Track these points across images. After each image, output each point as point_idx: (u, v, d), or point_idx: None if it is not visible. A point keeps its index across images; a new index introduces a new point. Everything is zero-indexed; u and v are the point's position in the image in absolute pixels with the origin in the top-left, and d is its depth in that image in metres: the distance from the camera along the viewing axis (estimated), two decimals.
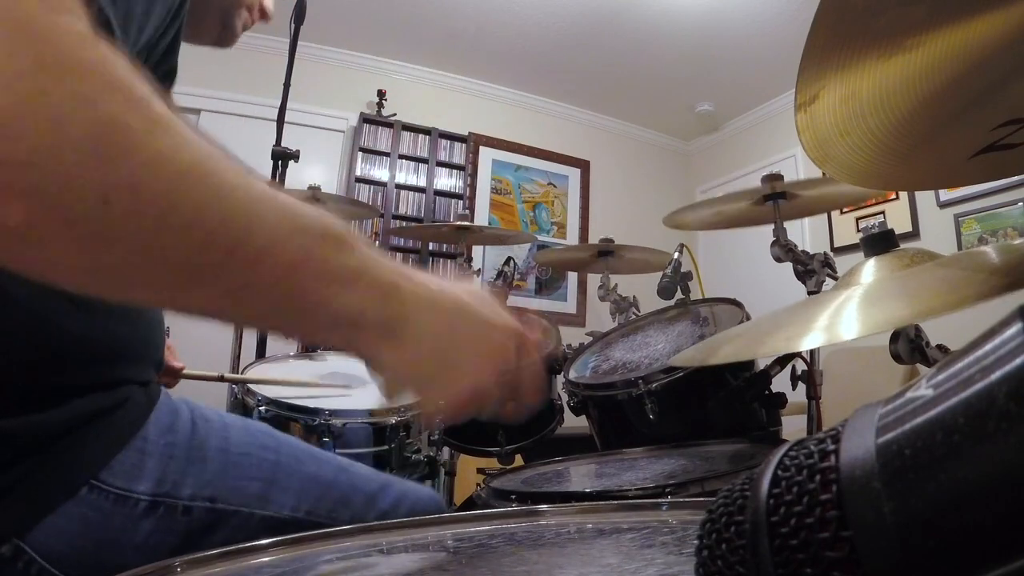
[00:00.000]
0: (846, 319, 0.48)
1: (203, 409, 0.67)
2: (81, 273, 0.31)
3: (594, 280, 2.44)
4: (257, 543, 0.47)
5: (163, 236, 0.30)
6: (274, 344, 1.90)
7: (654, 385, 1.23)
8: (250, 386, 1.13)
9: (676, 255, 1.57)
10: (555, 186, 4.71)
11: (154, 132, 0.30)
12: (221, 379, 1.12)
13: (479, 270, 3.10)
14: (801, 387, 1.28)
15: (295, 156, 1.87)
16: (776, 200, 1.38)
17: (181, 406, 0.64)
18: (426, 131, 4.13)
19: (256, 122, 3.32)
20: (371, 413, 1.14)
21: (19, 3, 0.27)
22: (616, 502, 0.61)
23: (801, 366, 1.27)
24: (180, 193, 0.30)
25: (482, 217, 4.32)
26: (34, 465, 0.50)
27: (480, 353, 0.46)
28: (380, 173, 3.97)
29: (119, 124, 0.28)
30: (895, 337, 0.81)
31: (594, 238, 3.98)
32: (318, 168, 3.80)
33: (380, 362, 0.43)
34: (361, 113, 3.98)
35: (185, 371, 0.95)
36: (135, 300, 0.39)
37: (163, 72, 0.57)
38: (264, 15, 0.80)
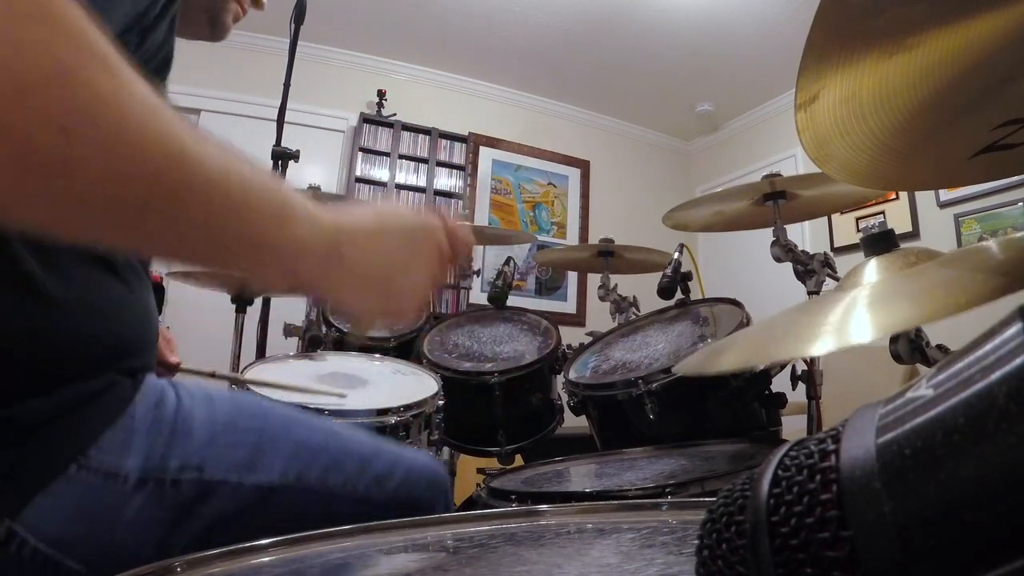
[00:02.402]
0: (855, 323, 0.47)
1: (188, 386, 0.66)
2: (41, 208, 0.33)
3: (594, 280, 2.44)
4: (257, 543, 0.47)
5: (116, 165, 0.33)
6: (274, 344, 1.90)
7: (654, 385, 1.23)
8: (249, 386, 1.13)
9: (676, 255, 1.57)
10: (555, 186, 4.71)
11: (113, 72, 0.32)
12: (212, 376, 1.11)
13: (479, 270, 3.09)
14: (801, 387, 1.28)
15: (295, 156, 1.87)
16: (776, 200, 1.38)
17: (165, 385, 0.64)
18: (426, 131, 4.13)
19: (256, 122, 3.31)
20: (371, 413, 1.14)
21: None
22: (616, 502, 0.61)
23: (801, 366, 1.27)
24: (132, 126, 0.33)
25: (482, 217, 4.33)
26: (21, 448, 0.50)
27: (418, 254, 0.53)
28: (380, 173, 3.97)
29: (85, 62, 0.31)
30: (895, 337, 0.81)
31: (594, 238, 3.97)
32: (318, 168, 3.80)
33: (332, 290, 0.48)
34: (361, 113, 3.98)
35: (181, 366, 0.95)
36: (91, 236, 0.42)
37: (159, 62, 0.57)
38: (257, 3, 0.80)
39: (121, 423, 0.57)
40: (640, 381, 1.24)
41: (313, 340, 1.75)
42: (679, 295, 1.55)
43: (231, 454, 0.62)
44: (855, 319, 0.48)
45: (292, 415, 0.72)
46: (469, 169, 4.30)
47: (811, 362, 1.26)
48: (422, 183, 4.09)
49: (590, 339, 1.66)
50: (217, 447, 0.61)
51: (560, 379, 1.55)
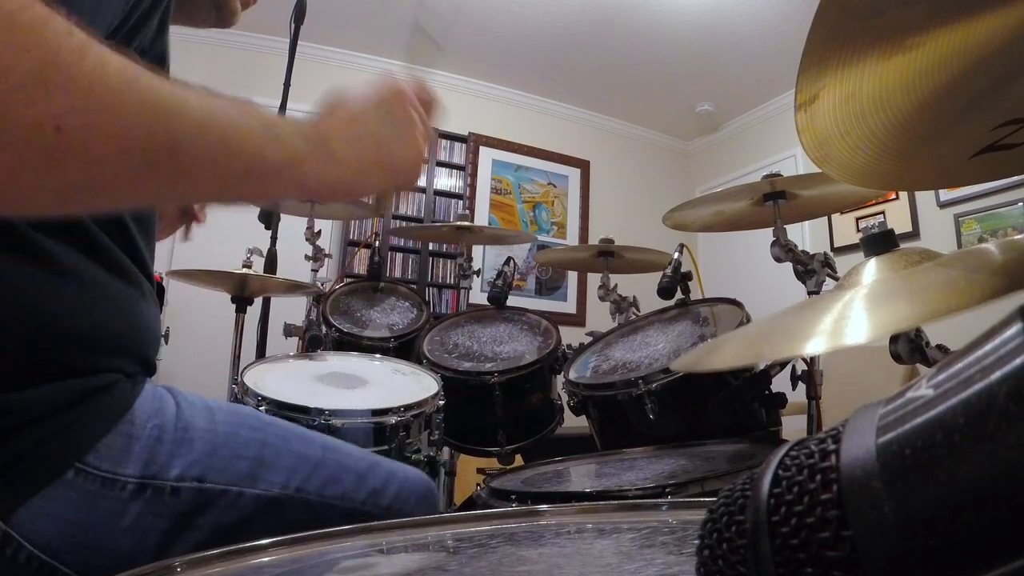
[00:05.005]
0: (852, 322, 0.47)
1: (187, 395, 0.67)
2: (48, 194, 0.36)
3: (594, 280, 2.44)
4: (257, 543, 0.47)
5: (112, 143, 0.35)
6: (274, 344, 1.91)
7: (654, 385, 1.23)
8: (249, 386, 1.13)
9: (676, 255, 1.57)
10: (555, 186, 4.71)
11: (84, 58, 0.34)
12: None
13: (479, 270, 3.09)
14: (801, 387, 1.28)
15: None
16: (776, 200, 1.38)
17: (164, 394, 0.64)
18: None
19: None
20: (371, 413, 1.14)
21: None
22: (616, 502, 0.61)
23: (801, 366, 1.27)
24: (118, 103, 0.35)
25: (482, 217, 4.32)
26: (19, 447, 0.50)
27: (397, 120, 0.57)
28: None
29: (53, 61, 0.32)
30: (895, 337, 0.81)
31: (594, 238, 3.97)
32: None
33: (336, 186, 0.51)
34: None
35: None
36: (98, 206, 0.45)
37: (151, 60, 0.57)
38: None
39: (121, 428, 0.56)
40: (640, 381, 1.24)
41: (313, 340, 1.75)
42: (679, 295, 1.55)
43: (232, 465, 0.62)
44: (852, 319, 0.48)
45: (289, 427, 0.72)
46: (469, 169, 4.30)
47: (811, 362, 1.26)
48: (422, 183, 4.09)
49: (590, 339, 1.66)
50: (218, 458, 0.62)
51: (560, 379, 1.55)
